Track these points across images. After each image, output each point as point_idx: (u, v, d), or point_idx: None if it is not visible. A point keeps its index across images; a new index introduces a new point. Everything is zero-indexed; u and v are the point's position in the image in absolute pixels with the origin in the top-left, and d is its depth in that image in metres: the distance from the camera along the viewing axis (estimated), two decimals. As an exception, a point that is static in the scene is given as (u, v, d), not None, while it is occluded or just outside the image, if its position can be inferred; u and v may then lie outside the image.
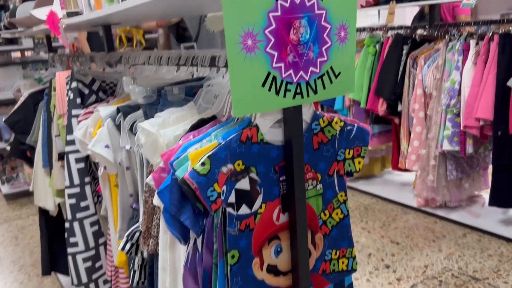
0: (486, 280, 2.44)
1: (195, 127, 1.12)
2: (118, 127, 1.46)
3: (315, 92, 1.03)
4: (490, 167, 2.85)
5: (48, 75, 2.68)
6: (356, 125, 1.15)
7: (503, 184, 2.73)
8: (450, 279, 2.47)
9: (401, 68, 3.16)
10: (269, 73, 0.95)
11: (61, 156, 1.92)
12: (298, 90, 1.00)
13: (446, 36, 2.96)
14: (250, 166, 1.02)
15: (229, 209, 1.01)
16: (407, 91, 3.12)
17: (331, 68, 1.04)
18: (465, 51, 2.82)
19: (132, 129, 1.43)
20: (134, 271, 1.53)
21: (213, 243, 1.08)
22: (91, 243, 1.84)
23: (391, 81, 3.17)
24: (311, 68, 1.01)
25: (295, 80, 0.99)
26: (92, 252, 1.85)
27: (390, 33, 3.41)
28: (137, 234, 1.45)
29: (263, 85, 0.95)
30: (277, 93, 0.97)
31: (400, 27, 3.36)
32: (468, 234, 2.96)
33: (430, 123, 2.99)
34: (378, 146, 3.59)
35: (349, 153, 1.16)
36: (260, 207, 1.05)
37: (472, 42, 2.79)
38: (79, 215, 1.79)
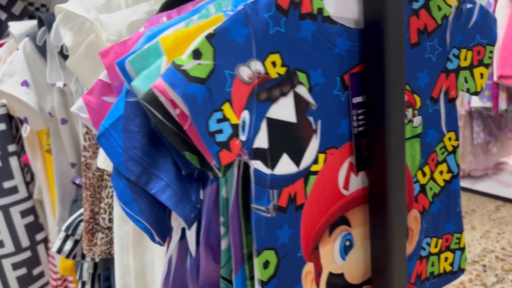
0: (539, 261, 1.97)
1: (171, 4, 0.56)
2: (43, 50, 0.88)
3: None
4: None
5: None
6: (477, 3, 0.61)
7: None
8: (495, 262, 2.00)
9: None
10: None
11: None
12: None
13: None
14: (297, 70, 0.48)
15: (257, 165, 0.46)
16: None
17: None
18: (497, -15, 2.31)
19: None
20: (84, 283, 0.97)
21: (220, 236, 0.53)
22: (24, 242, 1.26)
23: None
24: None
25: None
26: (27, 254, 1.28)
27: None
28: (82, 225, 0.89)
29: None
30: None
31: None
32: (502, 207, 2.49)
33: (453, 76, 2.49)
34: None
35: (465, 57, 0.62)
36: (315, 160, 0.51)
37: (507, -27, 2.28)
38: (2, 201, 1.21)
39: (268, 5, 0.44)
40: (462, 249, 0.69)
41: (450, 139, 0.64)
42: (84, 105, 0.49)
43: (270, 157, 0.47)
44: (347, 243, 0.56)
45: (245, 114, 0.44)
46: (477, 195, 2.64)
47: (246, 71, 0.43)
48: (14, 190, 1.23)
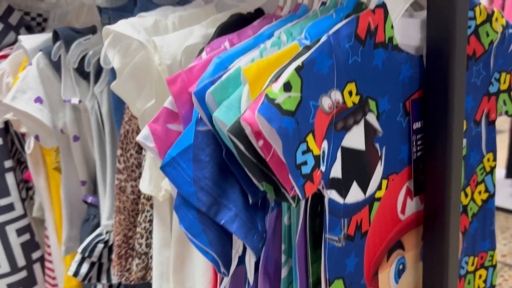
0: (519, 265, 2.05)
1: (227, 28, 0.55)
2: (57, 65, 0.85)
3: None
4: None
5: None
6: (516, 28, 0.63)
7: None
8: (478, 267, 2.05)
9: None
10: None
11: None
12: None
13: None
14: (369, 98, 0.48)
15: (332, 194, 0.46)
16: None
17: None
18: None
19: (82, 67, 0.83)
20: (95, 307, 0.93)
21: (281, 265, 0.52)
22: (20, 261, 1.21)
23: None
24: None
25: None
26: (23, 274, 1.22)
27: None
28: (100, 246, 0.86)
29: None
30: None
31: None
32: (480, 212, 2.57)
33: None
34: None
35: (505, 80, 0.64)
36: (379, 186, 0.51)
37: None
38: (-3, 219, 1.15)
39: (348, 35, 0.43)
40: (494, 266, 0.71)
41: (488, 160, 0.65)
42: (150, 134, 0.47)
43: (344, 185, 0.47)
44: (401, 266, 0.56)
45: (325, 144, 0.44)
46: (455, 201, 2.71)
47: (327, 101, 0.43)
48: (10, 207, 1.17)
